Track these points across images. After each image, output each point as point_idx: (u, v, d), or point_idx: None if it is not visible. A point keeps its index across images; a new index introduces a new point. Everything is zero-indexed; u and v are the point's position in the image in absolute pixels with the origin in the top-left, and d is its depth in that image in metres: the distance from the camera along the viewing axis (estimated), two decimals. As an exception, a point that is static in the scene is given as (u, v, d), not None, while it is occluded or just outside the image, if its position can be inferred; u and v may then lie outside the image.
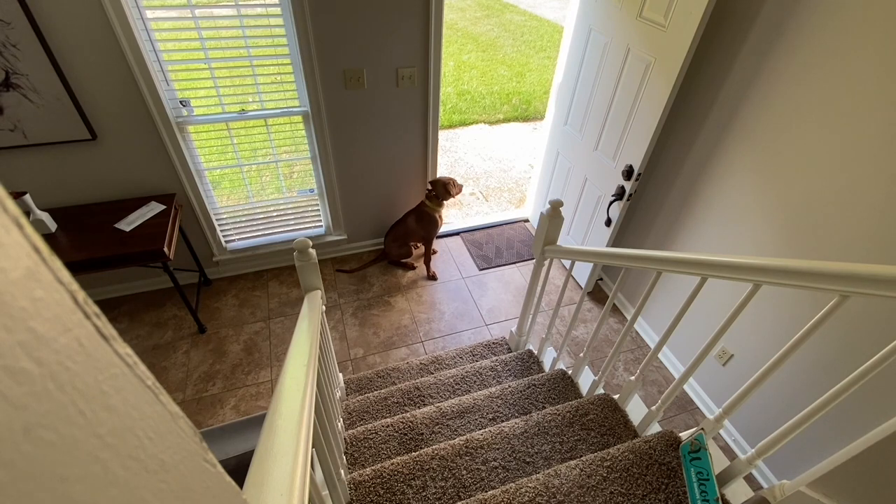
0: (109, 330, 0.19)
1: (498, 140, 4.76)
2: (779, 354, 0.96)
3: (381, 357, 2.43)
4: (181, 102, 2.14)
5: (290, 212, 2.76)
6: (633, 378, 1.48)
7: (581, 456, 1.42)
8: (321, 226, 2.90)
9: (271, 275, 2.87)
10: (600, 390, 1.68)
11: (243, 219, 2.69)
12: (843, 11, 1.40)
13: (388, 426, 1.64)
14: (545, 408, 1.70)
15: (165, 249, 2.02)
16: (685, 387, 2.31)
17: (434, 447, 1.46)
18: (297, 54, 2.11)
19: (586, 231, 2.67)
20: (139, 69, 1.93)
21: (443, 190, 2.68)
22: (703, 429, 1.18)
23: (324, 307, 1.46)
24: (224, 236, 2.70)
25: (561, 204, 1.64)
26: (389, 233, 2.83)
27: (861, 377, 0.81)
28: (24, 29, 1.69)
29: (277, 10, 1.98)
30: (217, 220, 2.62)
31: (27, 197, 1.93)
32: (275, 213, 2.73)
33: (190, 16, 1.89)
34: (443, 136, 4.76)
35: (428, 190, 2.72)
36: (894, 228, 1.36)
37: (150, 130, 2.12)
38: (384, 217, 2.96)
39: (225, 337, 2.48)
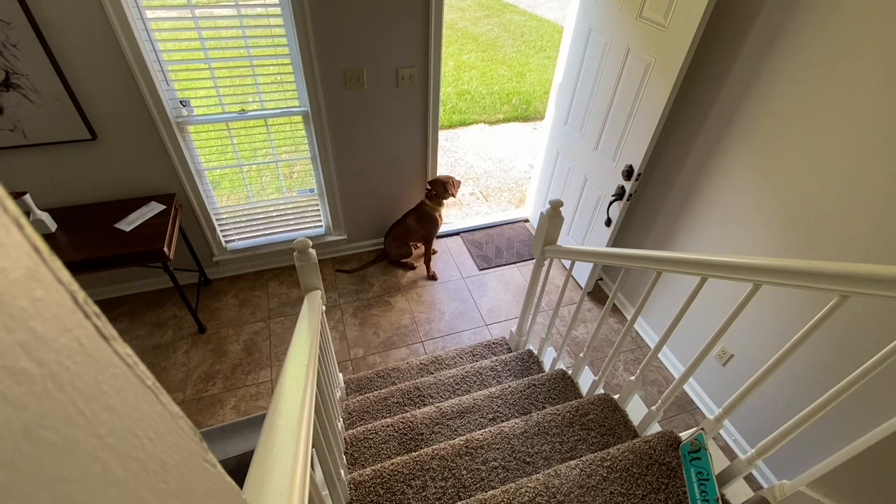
0: (109, 330, 0.19)
1: (498, 140, 4.77)
2: (779, 354, 0.96)
3: (381, 357, 2.43)
4: (181, 102, 2.14)
5: (290, 212, 2.76)
6: (633, 378, 1.48)
7: (581, 456, 1.42)
8: (321, 226, 2.90)
9: (271, 275, 2.87)
10: (600, 390, 1.68)
11: (243, 219, 2.69)
12: (842, 11, 1.40)
13: (388, 426, 1.64)
14: (545, 408, 1.70)
15: (165, 249, 2.02)
16: (685, 387, 2.31)
17: (434, 447, 1.46)
18: (297, 54, 2.11)
19: (586, 231, 2.67)
20: (139, 69, 1.93)
21: (442, 189, 2.68)
22: (703, 429, 1.18)
23: (324, 307, 1.46)
24: (224, 236, 2.70)
25: (561, 204, 1.64)
26: (389, 232, 2.83)
27: (861, 377, 0.81)
28: (24, 29, 1.69)
29: (277, 10, 1.98)
30: (217, 220, 2.62)
31: (27, 197, 1.93)
32: (275, 213, 2.73)
33: (190, 16, 1.89)
34: (443, 136, 4.76)
35: (427, 189, 2.72)
36: (894, 228, 1.36)
37: (150, 130, 2.12)
38: (384, 217, 2.96)
39: (225, 337, 2.48)
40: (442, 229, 3.12)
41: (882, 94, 1.33)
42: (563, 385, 1.83)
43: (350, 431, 1.63)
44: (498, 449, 1.46)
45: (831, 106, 1.47)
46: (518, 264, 3.06)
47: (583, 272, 2.81)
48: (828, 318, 0.86)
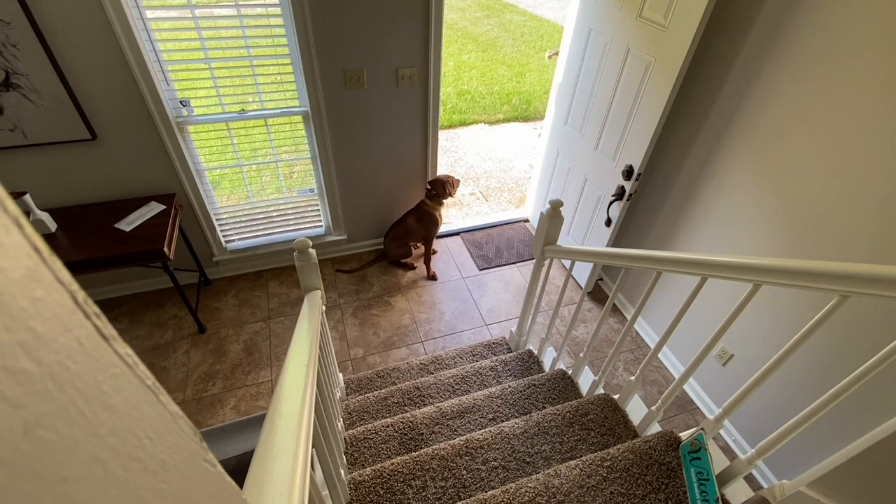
0: (109, 330, 0.19)
1: (498, 140, 4.77)
2: (779, 354, 0.96)
3: (381, 357, 2.43)
4: (181, 102, 2.14)
5: (290, 212, 2.76)
6: (633, 378, 1.48)
7: (581, 456, 1.42)
8: (321, 226, 2.90)
9: (271, 275, 2.87)
10: (600, 390, 1.68)
11: (243, 219, 2.69)
12: (842, 11, 1.40)
13: (388, 426, 1.64)
14: (545, 408, 1.70)
15: (165, 249, 2.02)
16: (685, 387, 2.31)
17: (434, 447, 1.46)
18: (297, 54, 2.11)
19: (586, 231, 2.67)
20: (139, 69, 1.93)
21: (442, 189, 2.68)
22: (703, 429, 1.18)
23: (324, 307, 1.46)
24: (224, 236, 2.70)
25: (561, 204, 1.64)
26: (389, 232, 2.83)
27: (861, 377, 0.81)
28: (24, 29, 1.69)
29: (277, 10, 1.98)
30: (217, 220, 2.62)
31: (27, 197, 1.93)
32: (275, 213, 2.73)
33: (190, 16, 1.89)
34: (443, 136, 4.76)
35: (428, 189, 2.72)
36: (894, 228, 1.36)
37: (150, 130, 2.12)
38: (384, 217, 2.96)
39: (225, 337, 2.48)
40: (442, 229, 3.12)
41: (882, 94, 1.33)
42: (563, 385, 1.83)
43: (350, 431, 1.63)
44: (498, 449, 1.46)
45: (831, 106, 1.47)
46: (518, 264, 3.06)
47: (583, 272, 2.81)
48: (828, 319, 0.86)
